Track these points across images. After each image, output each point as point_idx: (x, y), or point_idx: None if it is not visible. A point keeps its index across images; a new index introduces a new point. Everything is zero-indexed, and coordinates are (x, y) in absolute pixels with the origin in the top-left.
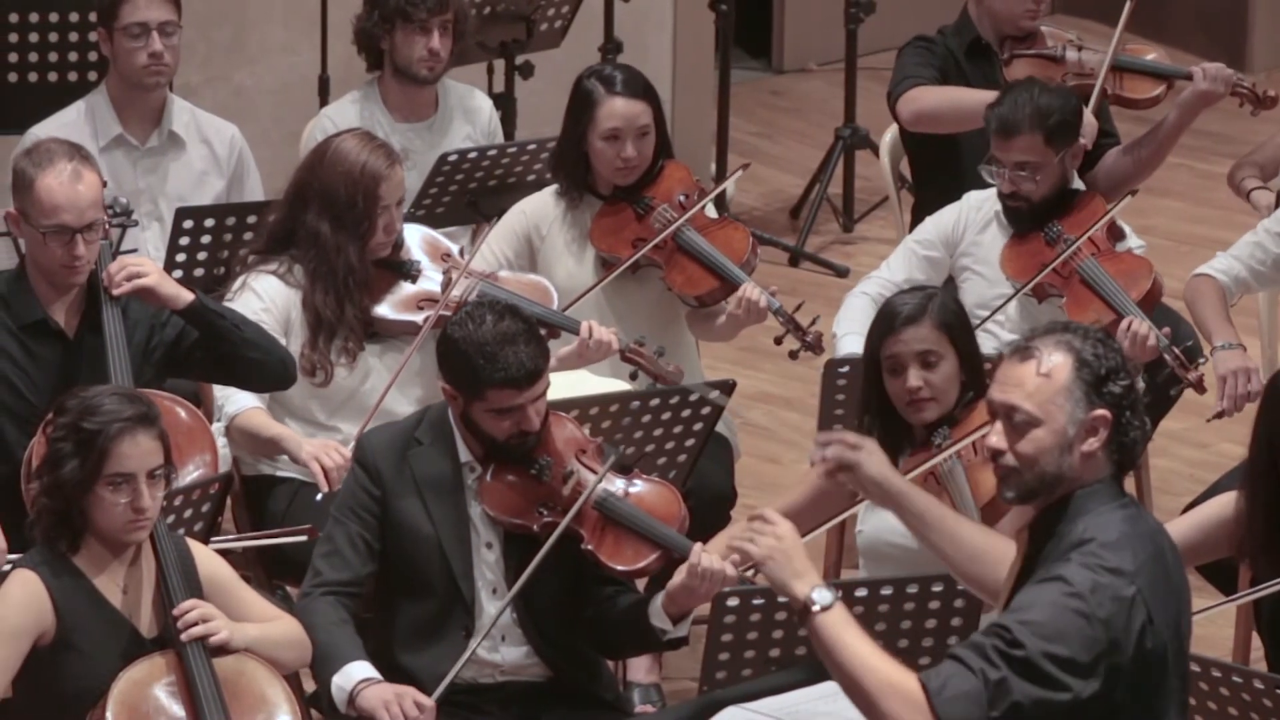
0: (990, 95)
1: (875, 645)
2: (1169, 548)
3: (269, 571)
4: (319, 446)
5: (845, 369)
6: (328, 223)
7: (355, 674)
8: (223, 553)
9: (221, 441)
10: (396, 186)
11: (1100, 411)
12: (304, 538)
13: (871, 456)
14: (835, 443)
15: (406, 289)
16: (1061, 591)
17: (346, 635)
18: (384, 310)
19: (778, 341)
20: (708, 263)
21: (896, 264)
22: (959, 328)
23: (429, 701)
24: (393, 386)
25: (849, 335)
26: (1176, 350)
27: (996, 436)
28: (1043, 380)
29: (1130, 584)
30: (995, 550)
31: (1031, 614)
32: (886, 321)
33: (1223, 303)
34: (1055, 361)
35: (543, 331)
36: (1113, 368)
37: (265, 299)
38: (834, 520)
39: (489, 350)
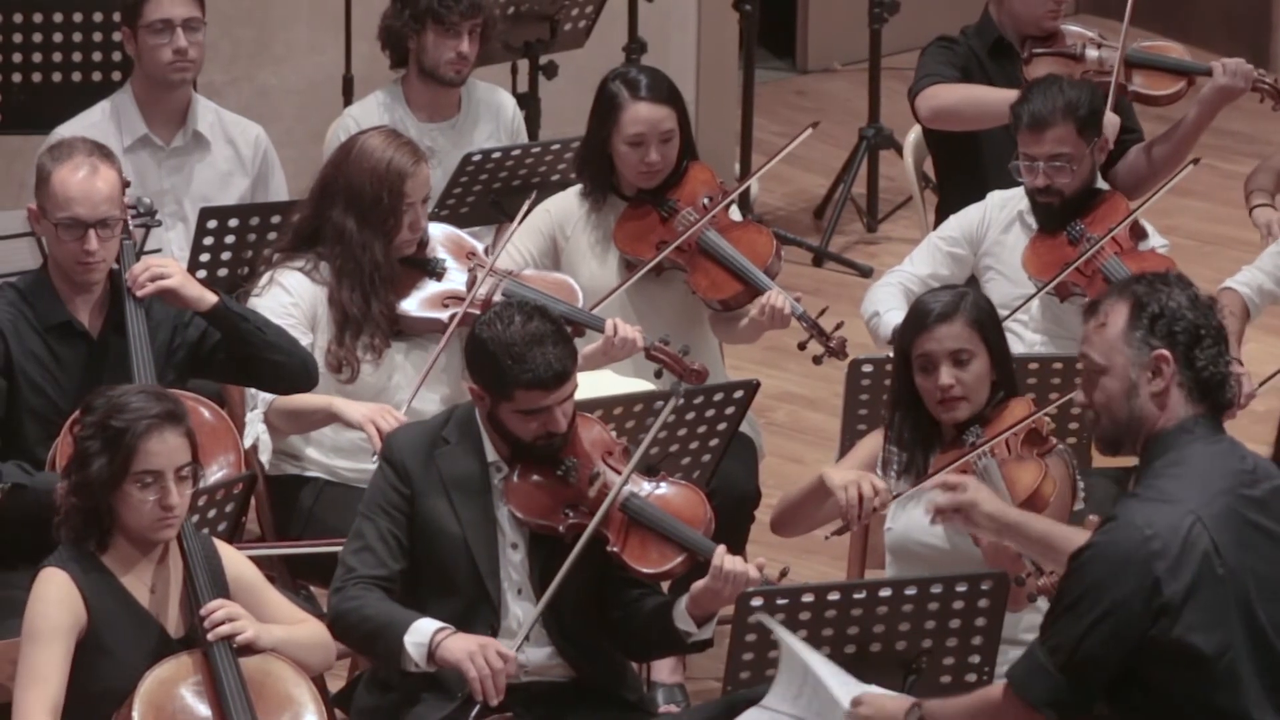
0: (1008, 93)
1: (969, 698)
2: (1265, 493)
3: (293, 571)
4: (374, 409)
5: (869, 369)
6: (353, 219)
7: (427, 628)
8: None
9: (260, 428)
10: (422, 184)
11: (1159, 351)
12: (336, 549)
13: (981, 493)
14: (943, 490)
15: (432, 287)
16: (1109, 530)
17: (397, 606)
18: (409, 308)
19: (801, 347)
20: (731, 266)
21: (920, 259)
22: (991, 326)
23: (511, 653)
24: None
25: (891, 311)
26: None
27: (1079, 392)
28: (1102, 329)
29: (1192, 511)
30: None
31: (1077, 560)
32: (919, 319)
33: (1236, 320)
34: (1113, 309)
35: (568, 329)
36: (1170, 307)
37: (293, 294)
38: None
39: (517, 351)
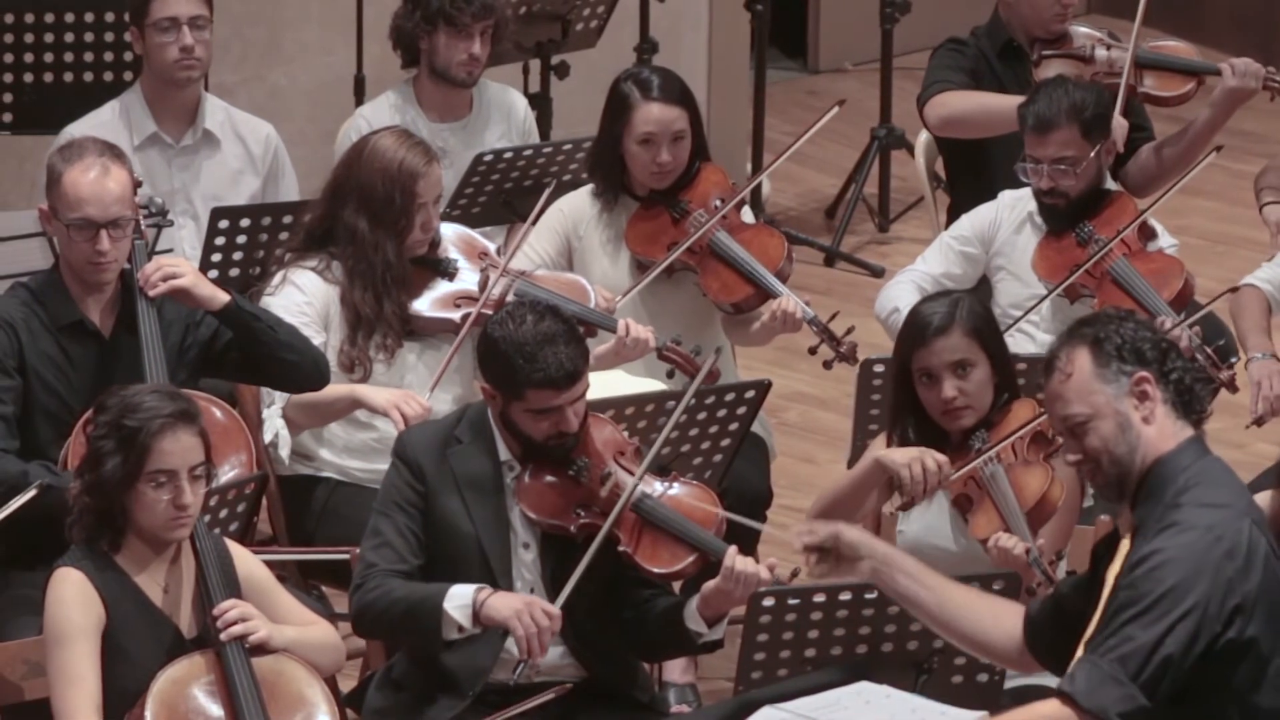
0: (1016, 100)
1: (1008, 712)
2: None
3: (304, 572)
4: (397, 395)
5: (881, 369)
6: (365, 220)
7: (467, 590)
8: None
9: (279, 424)
10: (434, 184)
11: (1139, 374)
12: (345, 556)
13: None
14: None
15: (444, 287)
16: (1175, 534)
17: (425, 584)
18: (421, 308)
19: (812, 351)
20: (742, 269)
21: (933, 258)
22: (989, 332)
23: (556, 610)
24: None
25: (910, 307)
26: (1208, 349)
27: (1068, 454)
28: (1070, 379)
29: (1244, 514)
30: (994, 607)
31: (1144, 567)
32: (916, 333)
33: (1263, 314)
34: (1073, 357)
35: (579, 329)
36: (1126, 334)
37: (306, 293)
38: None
39: (529, 350)
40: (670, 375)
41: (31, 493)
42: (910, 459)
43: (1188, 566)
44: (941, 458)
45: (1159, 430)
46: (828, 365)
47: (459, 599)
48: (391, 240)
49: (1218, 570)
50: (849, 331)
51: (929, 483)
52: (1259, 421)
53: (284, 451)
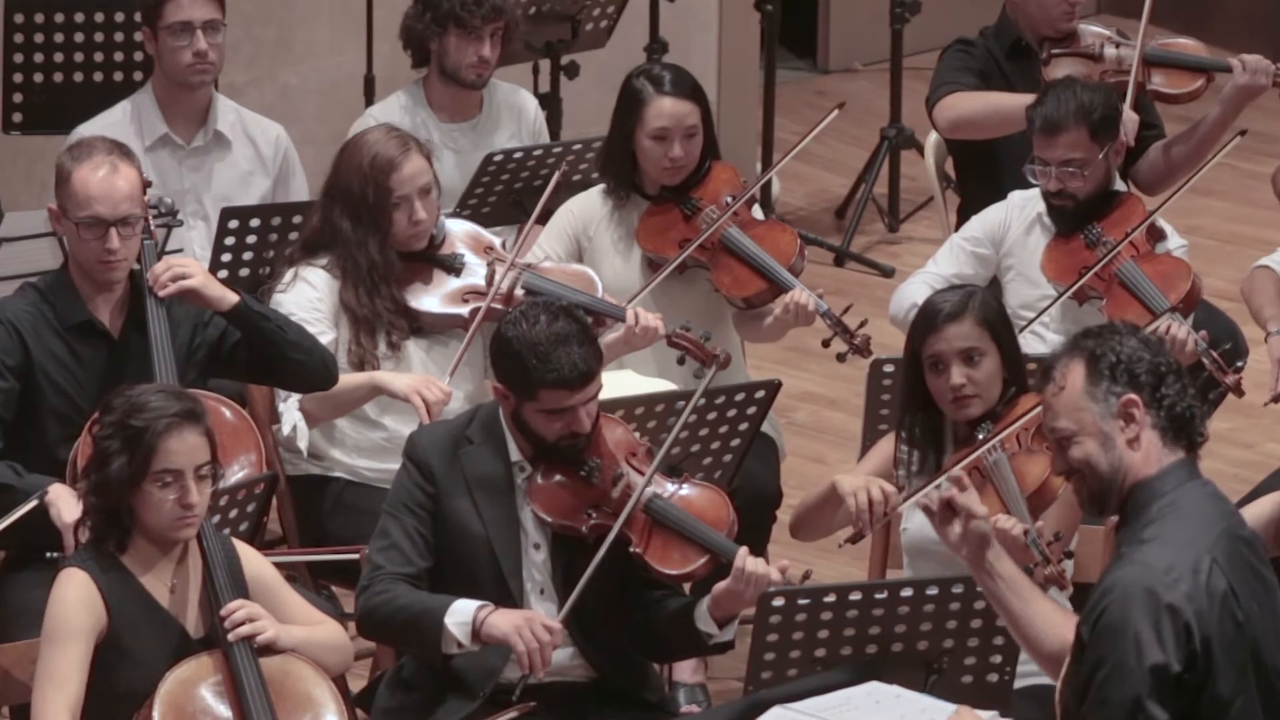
0: (1026, 99)
1: None
2: (1250, 534)
3: (314, 572)
4: (418, 380)
5: (891, 369)
6: (348, 219)
7: (468, 606)
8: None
9: (297, 416)
10: (412, 175)
11: (1126, 396)
12: (355, 557)
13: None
14: (953, 484)
15: (451, 283)
16: (1134, 576)
17: (430, 594)
18: (429, 304)
19: (825, 344)
20: (754, 264)
21: (944, 259)
22: (1000, 324)
23: (557, 625)
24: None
25: None
26: (1214, 353)
27: (1058, 462)
28: (1062, 393)
29: (1207, 552)
30: (1066, 624)
31: (1103, 622)
32: (928, 319)
33: (1279, 291)
34: (1068, 370)
35: (593, 330)
36: (1125, 353)
37: (318, 289)
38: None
39: (542, 350)
40: (681, 362)
41: (33, 503)
42: (856, 488)
43: (1142, 614)
44: (890, 488)
45: (1144, 454)
46: (841, 358)
47: (460, 614)
48: (374, 237)
49: (1176, 613)
50: (862, 325)
51: (874, 513)
52: (1277, 398)
53: (303, 444)
